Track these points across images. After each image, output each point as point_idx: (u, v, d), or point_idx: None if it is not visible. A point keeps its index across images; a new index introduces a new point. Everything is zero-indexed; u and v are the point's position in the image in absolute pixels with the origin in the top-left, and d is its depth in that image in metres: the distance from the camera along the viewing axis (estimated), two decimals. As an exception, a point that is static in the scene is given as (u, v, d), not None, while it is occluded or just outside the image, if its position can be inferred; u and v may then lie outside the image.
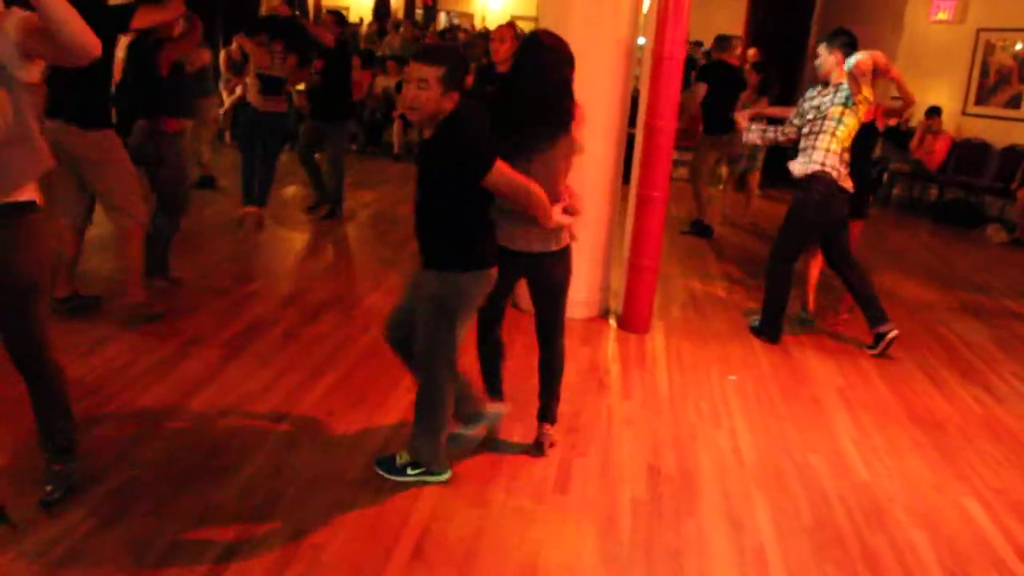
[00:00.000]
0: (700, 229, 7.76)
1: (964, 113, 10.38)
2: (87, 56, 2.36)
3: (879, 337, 4.91)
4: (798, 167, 4.84)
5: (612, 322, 5.16)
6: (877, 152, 8.40)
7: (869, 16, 8.43)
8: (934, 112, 9.95)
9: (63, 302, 4.46)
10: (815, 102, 4.83)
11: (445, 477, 3.18)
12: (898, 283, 6.56)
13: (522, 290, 3.54)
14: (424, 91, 2.71)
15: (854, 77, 4.58)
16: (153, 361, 4.04)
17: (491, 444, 3.45)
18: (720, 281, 6.37)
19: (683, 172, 8.79)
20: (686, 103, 8.80)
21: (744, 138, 5.37)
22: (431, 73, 2.70)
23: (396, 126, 10.75)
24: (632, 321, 5.04)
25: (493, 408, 3.36)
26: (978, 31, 10.21)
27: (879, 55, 4.62)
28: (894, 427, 4.05)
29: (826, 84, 4.83)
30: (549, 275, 3.26)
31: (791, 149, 5.03)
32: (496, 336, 3.47)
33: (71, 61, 2.39)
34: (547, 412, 3.49)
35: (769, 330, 5.06)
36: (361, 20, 17.46)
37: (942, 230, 9.30)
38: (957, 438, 3.99)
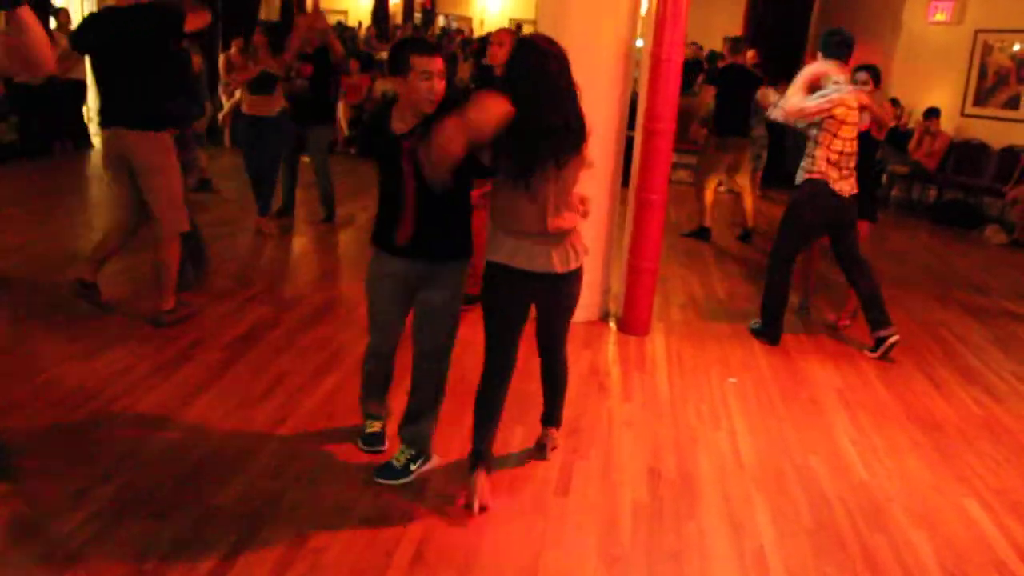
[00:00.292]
0: (700, 232, 7.75)
1: (963, 114, 10.40)
2: (43, 73, 2.36)
3: (880, 341, 4.91)
4: (799, 172, 4.89)
5: (612, 325, 5.17)
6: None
7: (867, 17, 8.45)
8: (932, 113, 9.97)
9: (86, 286, 4.58)
10: None
11: (435, 458, 3.30)
12: (897, 284, 6.57)
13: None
14: (441, 80, 2.90)
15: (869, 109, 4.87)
16: (155, 365, 4.05)
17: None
18: (720, 283, 6.38)
19: (682, 175, 8.79)
20: (693, 108, 8.82)
21: (770, 114, 5.29)
22: (441, 64, 2.90)
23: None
24: (632, 324, 5.04)
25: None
26: (976, 32, 10.22)
27: (862, 96, 4.82)
28: (893, 428, 4.05)
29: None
30: (567, 296, 3.09)
31: (790, 155, 5.06)
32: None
33: (26, 75, 2.39)
34: (552, 416, 3.46)
35: (769, 331, 5.07)
36: (360, 24, 17.49)
37: (941, 231, 9.32)
38: (957, 439, 3.99)
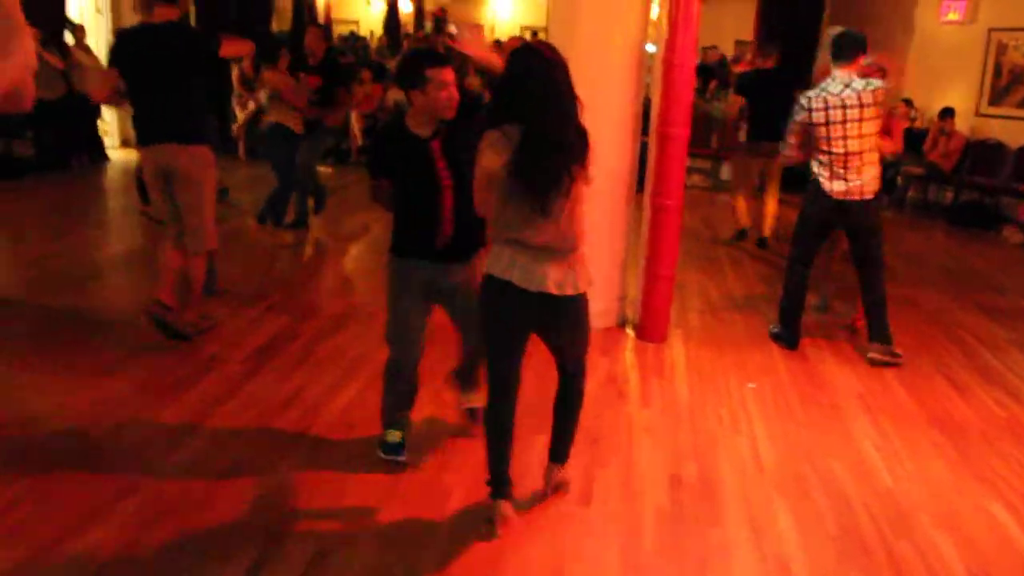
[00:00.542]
0: (741, 237, 7.71)
1: (977, 114, 10.32)
2: (25, 108, 2.30)
3: (872, 354, 4.89)
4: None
5: (630, 331, 5.16)
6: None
7: (879, 18, 8.40)
8: (947, 113, 9.91)
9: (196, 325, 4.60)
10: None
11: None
12: (914, 286, 6.53)
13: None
14: (455, 87, 2.98)
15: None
16: (175, 378, 4.08)
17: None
18: (737, 288, 6.36)
19: (696, 179, 8.76)
20: (721, 114, 8.78)
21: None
22: (452, 73, 2.98)
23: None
24: (649, 330, 5.04)
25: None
26: (989, 31, 10.15)
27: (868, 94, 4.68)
28: (915, 431, 4.03)
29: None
30: (568, 322, 2.90)
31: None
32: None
33: (8, 108, 2.33)
34: (557, 451, 3.17)
35: (787, 335, 5.05)
36: (371, 33, 17.56)
37: (957, 232, 9.25)
38: (978, 441, 3.96)
